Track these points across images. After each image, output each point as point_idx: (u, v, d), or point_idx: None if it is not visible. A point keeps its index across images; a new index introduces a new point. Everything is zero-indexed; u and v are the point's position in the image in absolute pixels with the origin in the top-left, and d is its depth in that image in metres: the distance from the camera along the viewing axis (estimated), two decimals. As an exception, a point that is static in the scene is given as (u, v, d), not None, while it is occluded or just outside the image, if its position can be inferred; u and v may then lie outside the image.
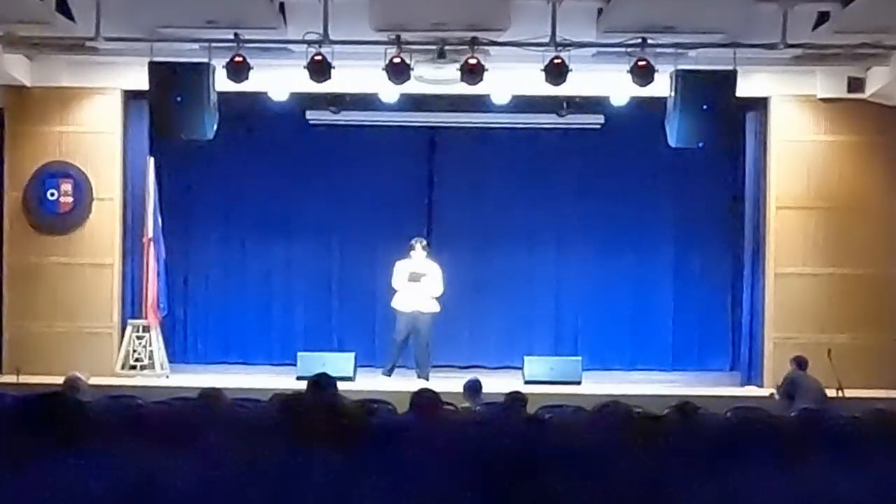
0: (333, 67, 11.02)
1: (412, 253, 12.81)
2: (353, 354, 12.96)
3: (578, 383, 12.57)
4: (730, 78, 11.29)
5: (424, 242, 12.92)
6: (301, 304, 14.56)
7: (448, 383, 11.01)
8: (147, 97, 12.26)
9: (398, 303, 12.81)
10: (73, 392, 8.44)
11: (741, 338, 13.42)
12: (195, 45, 11.43)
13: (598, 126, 13.65)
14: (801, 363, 10.97)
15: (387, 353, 13.20)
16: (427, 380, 12.16)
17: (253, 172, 14.24)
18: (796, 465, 4.41)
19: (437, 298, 12.78)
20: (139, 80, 11.78)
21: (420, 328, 12.74)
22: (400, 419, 6.68)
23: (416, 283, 12.68)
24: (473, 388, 9.40)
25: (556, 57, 10.98)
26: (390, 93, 12.37)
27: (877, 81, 12.21)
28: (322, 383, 5.67)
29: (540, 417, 6.18)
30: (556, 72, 11.04)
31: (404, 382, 12.06)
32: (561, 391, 11.58)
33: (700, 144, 11.82)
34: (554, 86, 11.23)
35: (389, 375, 12.69)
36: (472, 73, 11.14)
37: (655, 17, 10.64)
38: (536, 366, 12.89)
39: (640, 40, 11.01)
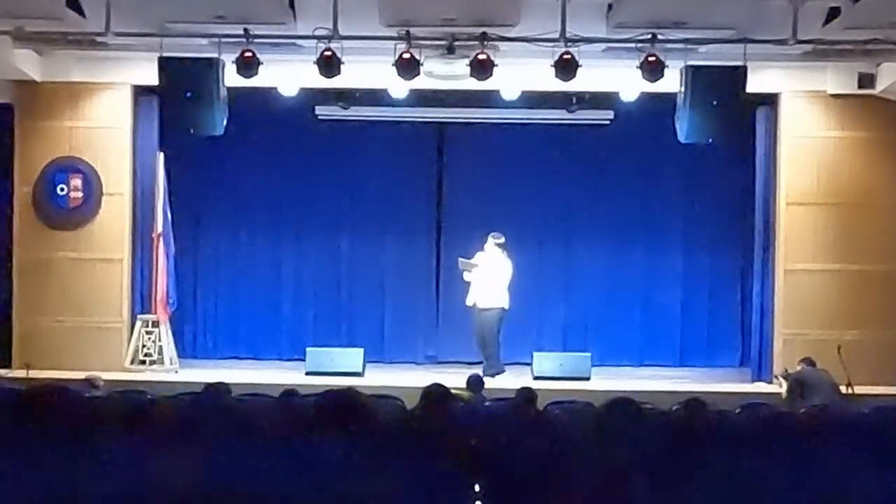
0: (343, 63, 10.99)
1: (486, 247, 12.89)
2: (361, 350, 12.98)
3: (587, 379, 12.56)
4: (740, 74, 11.24)
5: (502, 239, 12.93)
6: (310, 300, 14.55)
7: (458, 379, 10.98)
8: (157, 92, 12.28)
9: (497, 300, 12.84)
10: (90, 389, 8.51)
11: (751, 334, 13.38)
12: (205, 41, 11.41)
13: (608, 122, 13.65)
14: (810, 363, 10.93)
15: (397, 349, 13.22)
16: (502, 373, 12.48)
17: (262, 168, 14.26)
18: (807, 461, 4.39)
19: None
20: (149, 75, 11.78)
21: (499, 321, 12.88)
22: (410, 414, 6.67)
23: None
24: (476, 382, 9.66)
25: (566, 52, 10.94)
26: (400, 88, 12.36)
27: (887, 77, 12.17)
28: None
29: (550, 414, 6.18)
30: (566, 67, 11.01)
31: (412, 377, 12.04)
32: (570, 387, 11.57)
33: (710, 140, 11.77)
34: (563, 81, 11.19)
35: (503, 371, 12.68)
36: (482, 68, 11.11)
37: (665, 12, 10.61)
38: (545, 362, 12.88)
39: (649, 36, 10.98)
